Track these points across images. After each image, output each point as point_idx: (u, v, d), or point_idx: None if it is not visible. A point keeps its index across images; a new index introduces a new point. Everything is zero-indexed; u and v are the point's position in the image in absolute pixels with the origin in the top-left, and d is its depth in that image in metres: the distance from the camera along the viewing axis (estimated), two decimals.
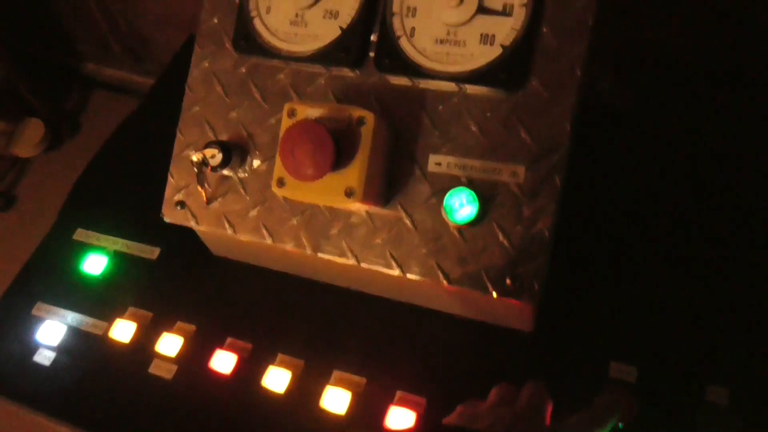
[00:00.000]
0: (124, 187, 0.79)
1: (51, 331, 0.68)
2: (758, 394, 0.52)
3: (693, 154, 0.65)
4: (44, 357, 0.67)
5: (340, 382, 0.58)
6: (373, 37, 0.56)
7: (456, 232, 0.52)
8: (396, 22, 0.55)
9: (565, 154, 0.50)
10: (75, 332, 0.68)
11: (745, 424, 0.51)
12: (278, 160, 0.51)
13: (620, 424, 0.52)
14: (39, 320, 0.69)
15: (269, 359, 0.61)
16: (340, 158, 0.49)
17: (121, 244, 0.73)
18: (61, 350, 0.67)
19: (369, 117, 0.49)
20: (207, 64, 0.62)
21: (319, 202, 0.54)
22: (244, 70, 0.60)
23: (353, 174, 0.49)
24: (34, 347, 0.68)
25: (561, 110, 0.50)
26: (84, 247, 0.74)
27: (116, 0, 1.47)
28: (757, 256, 0.58)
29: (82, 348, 0.66)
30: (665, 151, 0.65)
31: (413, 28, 0.54)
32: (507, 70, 0.51)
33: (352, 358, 0.60)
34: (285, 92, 0.59)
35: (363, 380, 0.58)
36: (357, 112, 0.50)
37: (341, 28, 0.56)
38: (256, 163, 0.59)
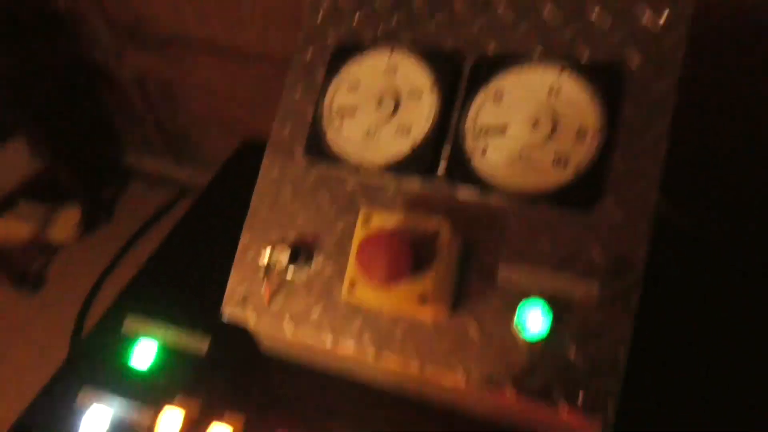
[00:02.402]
0: (178, 282, 0.80)
1: (98, 418, 0.67)
2: None
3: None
4: None
5: None
6: (445, 150, 0.58)
7: (526, 345, 0.52)
8: (469, 139, 0.58)
9: (640, 273, 0.51)
10: (121, 421, 0.67)
11: None
12: (351, 263, 0.52)
13: None
14: (85, 406, 0.69)
15: None
16: (416, 265, 0.50)
17: (170, 335, 0.73)
18: None
19: (444, 228, 0.51)
20: (276, 171, 0.64)
21: (391, 307, 0.54)
22: (313, 178, 0.63)
23: (428, 281, 0.50)
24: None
25: (636, 230, 0.51)
26: (134, 335, 0.74)
27: (162, 99, 1.56)
28: None
29: None
30: (736, 273, 0.66)
31: (486, 146, 0.57)
32: (580, 192, 0.53)
33: None
34: (353, 200, 0.61)
35: None
36: (432, 223, 0.51)
37: (414, 143, 0.59)
38: (320, 266, 0.60)
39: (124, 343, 0.74)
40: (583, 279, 0.52)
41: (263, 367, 0.69)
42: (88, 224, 2.01)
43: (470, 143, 0.57)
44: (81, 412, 0.68)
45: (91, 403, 0.69)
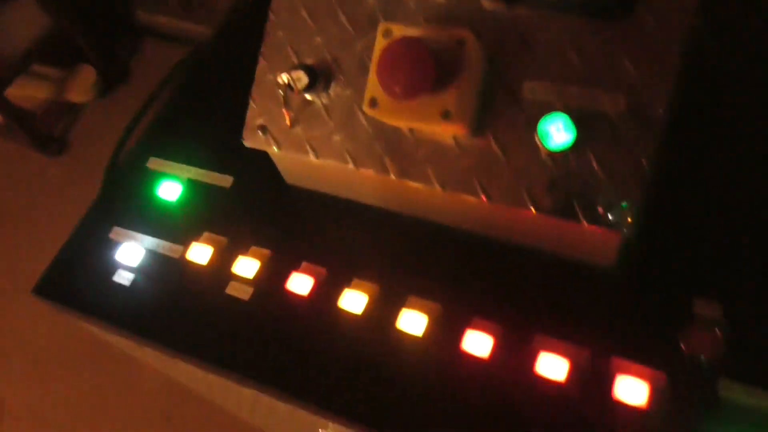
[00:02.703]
0: (197, 119, 0.80)
1: (129, 253, 0.70)
2: None
3: None
4: (123, 278, 0.68)
5: (416, 306, 0.58)
6: None
7: (548, 159, 0.52)
8: None
9: (670, 84, 0.49)
10: (153, 255, 0.69)
11: None
12: (372, 79, 0.51)
13: (703, 358, 0.52)
14: (117, 243, 0.71)
15: (345, 283, 0.61)
16: (438, 79, 0.49)
17: (194, 173, 0.74)
18: (140, 272, 0.68)
19: (469, 38, 0.49)
20: None
21: (413, 124, 0.54)
22: None
23: (451, 96, 0.49)
24: (113, 268, 0.70)
25: (669, 39, 0.49)
26: (158, 175, 0.75)
27: None
28: None
29: (161, 270, 0.68)
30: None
31: None
32: (613, 0, 0.49)
33: (427, 285, 0.60)
34: (373, 16, 0.58)
35: (439, 306, 0.59)
36: (456, 33, 0.49)
37: None
38: (340, 87, 0.59)
39: (151, 179, 0.75)
40: (609, 92, 0.50)
41: (287, 199, 0.70)
42: (105, 84, 2.00)
43: None
44: (115, 246, 0.71)
45: (123, 240, 0.71)
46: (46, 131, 1.97)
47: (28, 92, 1.98)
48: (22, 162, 2.00)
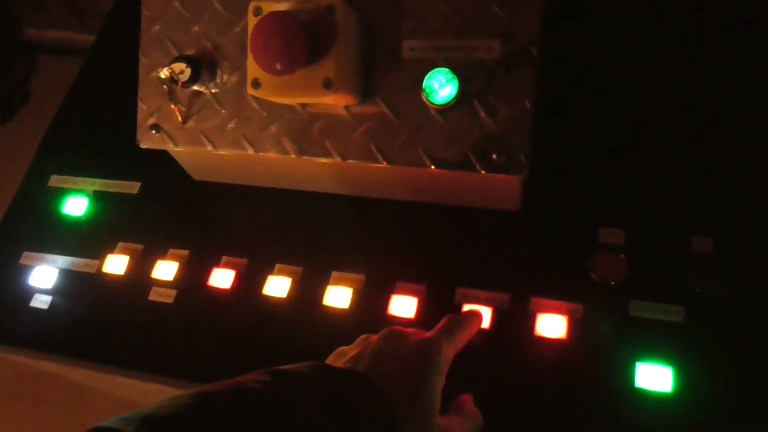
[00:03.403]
0: (92, 130, 0.77)
1: (43, 276, 0.67)
2: (743, 241, 0.54)
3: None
4: (41, 302, 0.66)
5: (340, 281, 0.59)
6: None
7: (437, 115, 0.53)
8: None
9: (539, 24, 0.50)
10: (68, 274, 0.67)
11: (731, 270, 0.53)
12: (250, 59, 0.50)
13: (612, 283, 0.55)
14: (29, 268, 0.69)
15: (267, 270, 0.61)
16: (314, 50, 0.49)
17: (99, 184, 0.72)
18: (57, 292, 0.66)
19: (338, 4, 0.49)
20: None
21: (297, 99, 0.53)
22: None
23: (329, 64, 0.49)
24: (28, 294, 0.67)
25: None
26: (62, 192, 0.73)
27: None
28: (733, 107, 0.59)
29: (78, 287, 0.66)
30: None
31: None
32: None
33: (348, 259, 0.61)
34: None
35: (362, 276, 0.59)
36: (324, 1, 0.49)
37: None
38: (226, 74, 0.58)
39: (55, 197, 0.73)
40: (484, 40, 0.51)
41: (198, 196, 0.69)
42: (6, 110, 1.90)
43: None
44: (28, 271, 0.68)
45: (35, 264, 0.69)
46: None
47: None
48: None
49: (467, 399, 0.49)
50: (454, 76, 0.51)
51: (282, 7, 0.49)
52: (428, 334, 0.46)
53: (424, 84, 0.52)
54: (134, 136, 0.62)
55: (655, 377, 0.50)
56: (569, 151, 0.61)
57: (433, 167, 0.53)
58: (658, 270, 0.54)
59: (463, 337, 0.48)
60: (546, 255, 0.57)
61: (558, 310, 0.54)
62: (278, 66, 0.47)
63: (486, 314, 0.55)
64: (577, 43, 0.64)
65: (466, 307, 0.55)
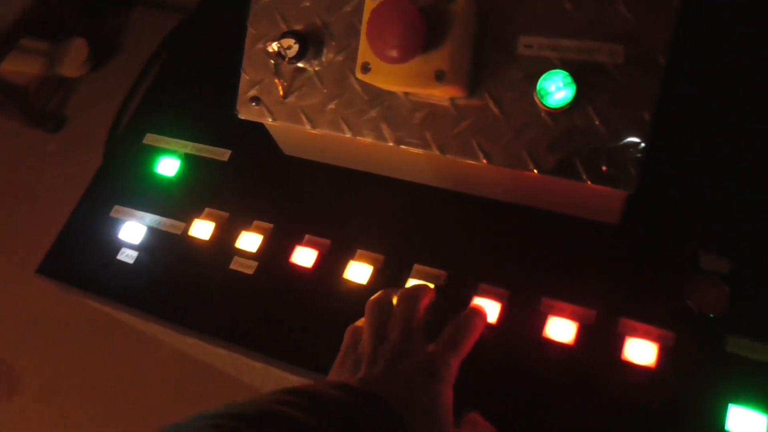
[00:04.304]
0: (190, 92, 0.78)
1: (131, 232, 0.69)
2: None
3: None
4: (127, 256, 0.68)
5: (421, 274, 0.58)
6: None
7: (548, 118, 0.50)
8: None
9: (669, 31, 0.47)
10: (155, 232, 0.69)
11: None
12: (363, 43, 0.49)
13: (711, 315, 0.51)
14: (118, 222, 0.71)
15: (349, 254, 0.61)
16: (430, 39, 0.47)
17: (191, 147, 0.73)
18: (143, 249, 0.68)
19: None
20: None
21: (406, 87, 0.52)
22: None
23: (444, 55, 0.47)
24: (116, 246, 0.69)
25: None
26: (155, 151, 0.74)
27: None
28: None
29: (164, 246, 0.68)
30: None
31: None
32: None
33: (431, 254, 0.59)
34: None
35: (444, 273, 0.58)
36: None
37: None
38: (332, 53, 0.57)
39: (149, 155, 0.74)
40: (608, 43, 0.48)
41: (286, 171, 0.69)
42: (98, 56, 1.96)
43: None
44: (117, 225, 0.71)
45: (124, 218, 0.71)
46: (41, 107, 1.94)
47: (19, 68, 1.95)
48: (19, 139, 1.98)
49: (476, 415, 0.50)
50: (573, 80, 0.48)
51: None
52: (432, 347, 0.47)
53: (539, 85, 0.49)
54: (231, 103, 0.62)
55: (748, 423, 0.47)
56: (678, 168, 0.57)
57: (536, 172, 0.51)
58: (763, 306, 0.51)
59: (468, 344, 0.49)
60: (641, 275, 0.55)
61: (648, 336, 0.51)
62: (394, 54, 0.46)
63: (571, 329, 0.53)
64: (695, 48, 0.60)
65: (551, 319, 0.54)
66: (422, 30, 0.45)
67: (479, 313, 0.52)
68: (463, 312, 0.52)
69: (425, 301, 0.51)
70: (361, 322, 0.52)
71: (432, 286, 0.56)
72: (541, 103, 0.49)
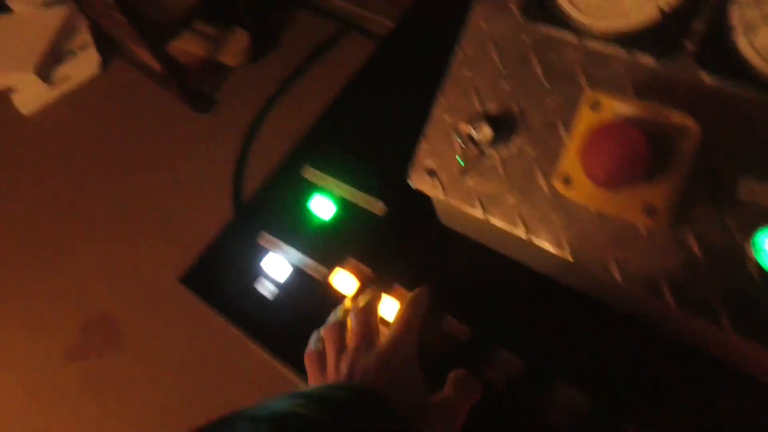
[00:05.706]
0: (358, 131, 0.78)
1: (274, 264, 0.70)
2: None
3: None
4: (266, 288, 0.69)
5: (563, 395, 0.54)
6: (695, 24, 0.48)
7: (758, 276, 0.45)
8: (733, 11, 0.46)
9: None
10: (297, 271, 0.69)
11: None
12: (570, 153, 0.46)
13: None
14: (263, 249, 0.72)
15: (487, 349, 0.58)
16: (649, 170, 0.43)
17: (346, 191, 0.73)
18: (283, 287, 0.68)
19: (694, 127, 0.42)
20: (484, 26, 0.57)
21: (608, 212, 0.48)
22: (527, 39, 0.55)
23: (661, 191, 0.43)
24: (256, 274, 0.70)
25: None
26: (310, 186, 0.75)
27: None
28: None
29: (304, 288, 0.67)
30: None
31: (754, 22, 0.45)
32: None
33: (577, 369, 0.55)
34: (571, 72, 0.52)
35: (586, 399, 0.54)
36: (679, 119, 0.43)
37: (661, 9, 0.48)
38: (523, 144, 0.54)
39: (305, 189, 0.75)
40: None
41: (440, 241, 0.66)
42: (257, 50, 2.04)
43: (734, 15, 0.46)
44: (262, 253, 0.71)
45: (270, 248, 0.71)
46: (197, 87, 2.05)
47: (186, 47, 2.07)
48: (171, 112, 2.10)
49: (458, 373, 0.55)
50: None
51: (627, 110, 0.44)
52: (387, 333, 0.54)
53: (754, 238, 0.44)
54: (399, 158, 0.61)
55: None
56: None
57: (729, 330, 0.45)
58: None
59: (418, 317, 0.55)
60: None
61: None
62: (605, 178, 0.42)
63: None
64: None
65: None
66: (647, 164, 0.41)
67: (420, 291, 0.58)
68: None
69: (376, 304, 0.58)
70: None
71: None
72: (755, 258, 0.44)
